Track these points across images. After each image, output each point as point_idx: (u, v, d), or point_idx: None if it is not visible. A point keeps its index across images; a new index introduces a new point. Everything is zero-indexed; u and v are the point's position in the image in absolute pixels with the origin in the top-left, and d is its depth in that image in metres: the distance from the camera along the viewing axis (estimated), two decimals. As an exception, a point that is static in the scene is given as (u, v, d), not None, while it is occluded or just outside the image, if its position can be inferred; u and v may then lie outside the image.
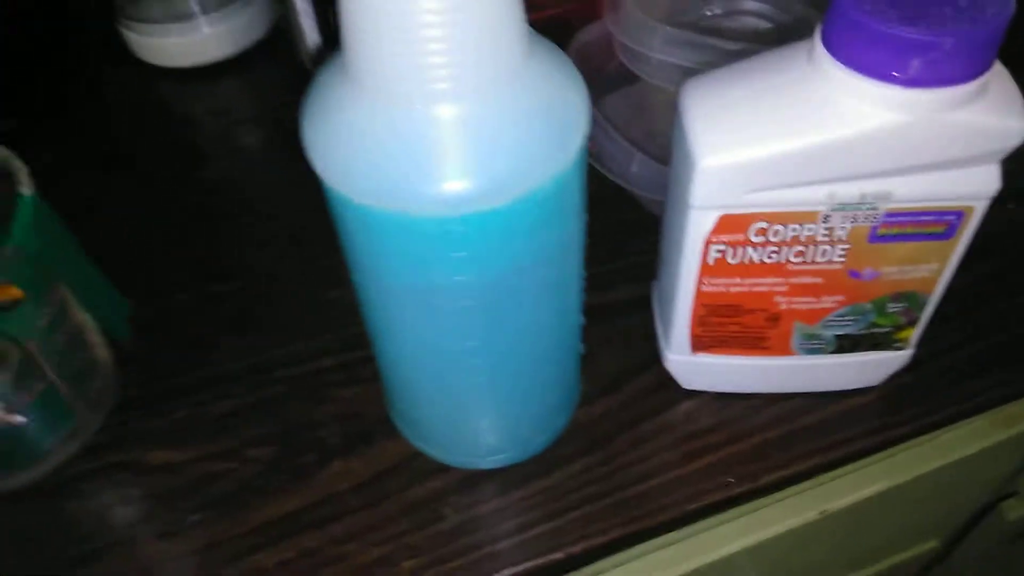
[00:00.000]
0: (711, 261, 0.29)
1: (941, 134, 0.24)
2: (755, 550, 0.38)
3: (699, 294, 0.30)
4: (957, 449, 0.39)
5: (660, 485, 0.32)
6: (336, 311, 0.39)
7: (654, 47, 0.36)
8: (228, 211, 0.44)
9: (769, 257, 0.28)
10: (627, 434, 0.34)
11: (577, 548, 0.30)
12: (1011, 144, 0.25)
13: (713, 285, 0.30)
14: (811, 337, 0.31)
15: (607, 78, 0.43)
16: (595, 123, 0.38)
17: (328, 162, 0.23)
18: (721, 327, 0.31)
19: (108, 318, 0.35)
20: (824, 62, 0.24)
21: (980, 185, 0.26)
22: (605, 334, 0.37)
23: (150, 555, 0.31)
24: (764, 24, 0.42)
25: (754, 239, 0.28)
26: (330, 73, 0.23)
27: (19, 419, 0.32)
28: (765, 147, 0.25)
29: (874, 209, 0.27)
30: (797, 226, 0.27)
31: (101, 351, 0.35)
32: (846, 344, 0.32)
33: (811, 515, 0.38)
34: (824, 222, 0.27)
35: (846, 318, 0.31)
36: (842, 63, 0.24)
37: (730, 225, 0.27)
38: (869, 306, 0.30)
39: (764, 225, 0.27)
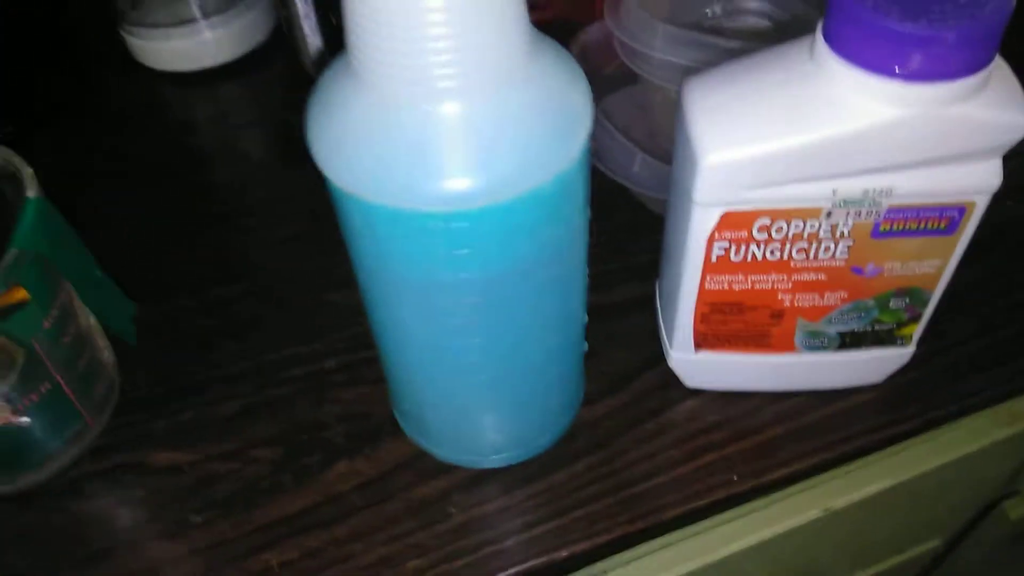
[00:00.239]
0: (714, 258, 0.29)
1: (943, 129, 0.24)
2: (758, 549, 0.38)
3: (702, 291, 0.30)
4: (960, 447, 0.39)
5: (664, 483, 0.32)
6: (339, 313, 0.39)
7: (655, 46, 0.37)
8: (230, 214, 0.45)
9: (772, 254, 0.29)
10: (631, 433, 0.34)
11: (581, 546, 0.31)
12: (1012, 138, 0.25)
13: (716, 282, 0.30)
14: (814, 334, 0.32)
15: (608, 78, 0.43)
16: (596, 123, 0.38)
17: (333, 160, 0.23)
18: (724, 324, 0.32)
19: (113, 320, 0.35)
20: (826, 57, 0.25)
21: (982, 180, 0.26)
22: (608, 333, 0.37)
23: (155, 556, 0.31)
24: (765, 23, 0.43)
25: (757, 236, 0.28)
26: (335, 72, 0.23)
27: (24, 420, 0.32)
28: (768, 143, 0.25)
29: (877, 205, 0.27)
30: (800, 222, 0.27)
31: (106, 353, 0.35)
32: (849, 341, 0.32)
33: (814, 513, 0.38)
34: (827, 218, 0.27)
35: (849, 315, 0.31)
36: (844, 58, 0.24)
37: (733, 222, 0.27)
38: (872, 302, 0.30)
39: (767, 221, 0.27)
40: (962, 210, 0.27)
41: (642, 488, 0.32)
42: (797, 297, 0.30)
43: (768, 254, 0.29)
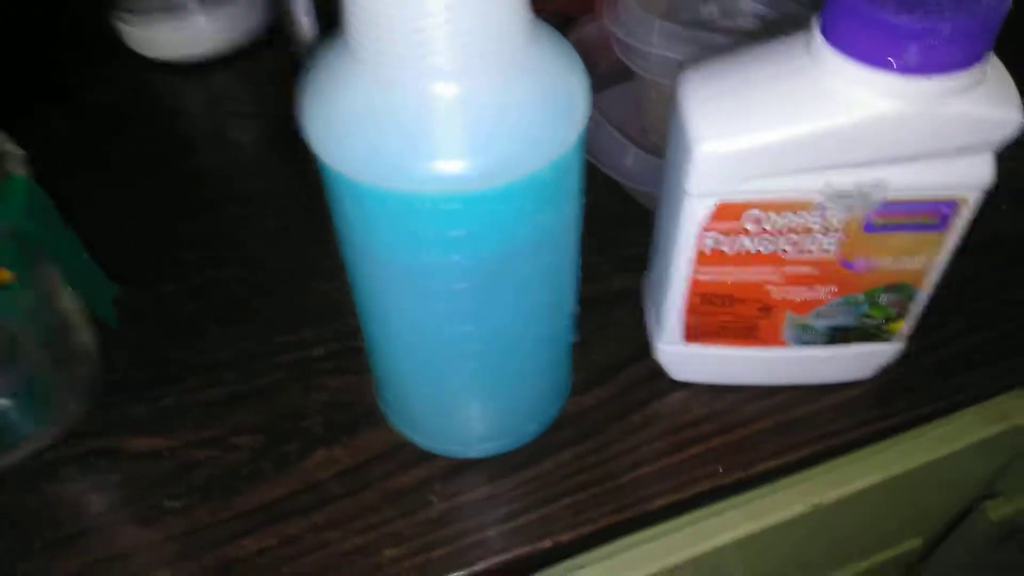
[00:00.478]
0: (705, 250, 0.29)
1: (937, 123, 0.24)
2: (743, 544, 0.38)
3: (693, 283, 0.30)
4: (947, 443, 0.39)
5: (650, 474, 0.32)
6: (326, 302, 0.38)
7: (652, 42, 0.36)
8: (220, 202, 0.44)
9: (763, 246, 0.28)
10: (618, 424, 0.33)
11: (566, 536, 0.30)
12: (1005, 134, 0.25)
13: (707, 274, 0.30)
14: (803, 328, 0.31)
15: (603, 74, 0.43)
16: (590, 117, 0.38)
17: (326, 140, 0.23)
18: (713, 317, 0.31)
19: (96, 302, 0.34)
20: (822, 50, 0.24)
21: (974, 176, 0.26)
22: (596, 325, 0.36)
23: (130, 541, 0.31)
24: (759, 23, 0.42)
25: (749, 227, 0.28)
26: (330, 51, 0.23)
27: (1, 401, 0.31)
28: (762, 134, 0.25)
29: (869, 198, 0.27)
30: (792, 215, 0.27)
31: (87, 336, 0.35)
32: (837, 336, 0.32)
33: (800, 509, 0.38)
34: (819, 211, 0.27)
35: (838, 309, 0.31)
36: (840, 51, 0.24)
37: (725, 213, 0.27)
38: (861, 297, 0.30)
39: (759, 213, 0.27)
40: (953, 206, 0.27)
41: (628, 479, 0.32)
42: (787, 290, 0.30)
43: (759, 246, 0.28)
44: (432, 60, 0.21)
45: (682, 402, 0.34)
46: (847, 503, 0.39)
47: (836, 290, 0.30)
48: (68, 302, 0.33)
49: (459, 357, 0.28)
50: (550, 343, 0.30)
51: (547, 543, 0.30)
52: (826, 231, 0.28)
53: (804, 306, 0.31)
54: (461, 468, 0.32)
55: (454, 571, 0.29)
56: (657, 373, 0.35)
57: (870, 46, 0.23)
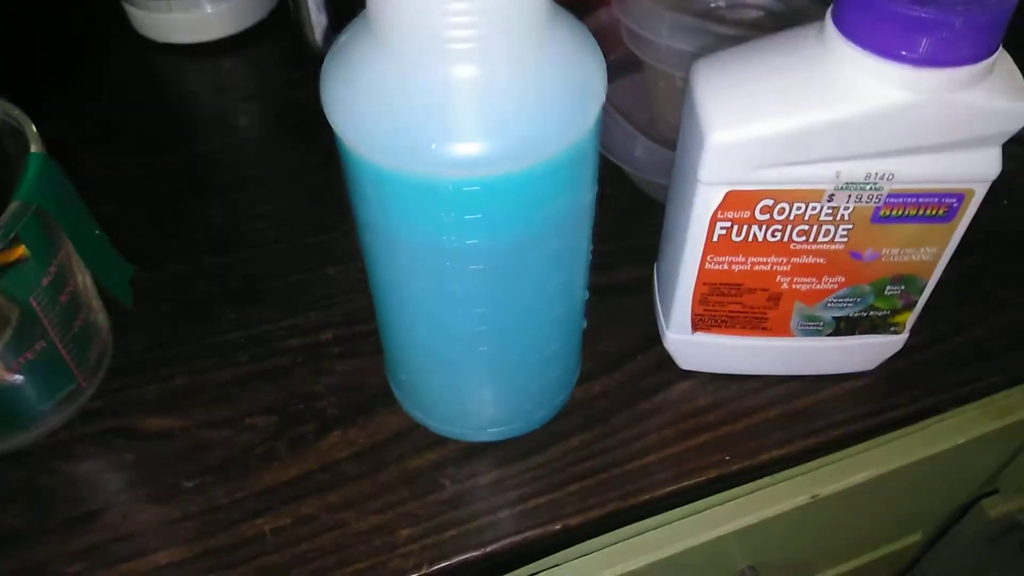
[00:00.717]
0: (716, 238, 0.29)
1: (947, 114, 0.25)
2: (745, 534, 0.39)
3: (702, 272, 0.31)
4: (948, 438, 0.39)
5: (657, 461, 0.32)
6: (335, 286, 0.39)
7: (662, 33, 0.37)
8: (229, 185, 0.44)
9: (773, 235, 0.29)
10: (625, 412, 0.34)
11: (575, 520, 0.31)
12: (1013, 127, 0.25)
13: (717, 263, 0.30)
14: (810, 318, 0.32)
15: (613, 64, 0.43)
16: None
17: (348, 121, 0.23)
18: (722, 306, 0.32)
19: (111, 281, 0.35)
20: (834, 41, 0.25)
21: (981, 168, 0.27)
22: (606, 314, 0.37)
23: (145, 519, 0.31)
24: (766, 15, 0.43)
25: (759, 216, 0.28)
26: (353, 33, 0.23)
27: (17, 379, 0.31)
28: (774, 123, 0.26)
29: (878, 189, 0.27)
30: (802, 204, 0.28)
31: (101, 315, 0.35)
32: (844, 326, 0.32)
33: (802, 499, 0.38)
34: (829, 201, 0.28)
35: (845, 299, 0.31)
36: (852, 42, 0.24)
37: (736, 202, 0.28)
38: (868, 288, 0.31)
39: (770, 202, 0.28)
40: (961, 198, 0.28)
41: (635, 465, 0.32)
42: (795, 280, 0.30)
43: (769, 235, 0.29)
44: (454, 43, 0.21)
45: (689, 391, 0.35)
46: (848, 495, 0.39)
47: (844, 280, 0.30)
48: (83, 281, 0.33)
49: (471, 340, 0.28)
50: (561, 328, 0.30)
51: (556, 526, 0.31)
52: (835, 221, 0.28)
53: (812, 296, 0.31)
54: (472, 452, 0.33)
55: (466, 552, 0.30)
56: (665, 362, 0.35)
57: (883, 37, 0.24)
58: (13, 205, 0.27)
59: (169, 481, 0.32)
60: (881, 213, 0.28)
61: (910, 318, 0.32)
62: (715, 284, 0.31)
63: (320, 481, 0.32)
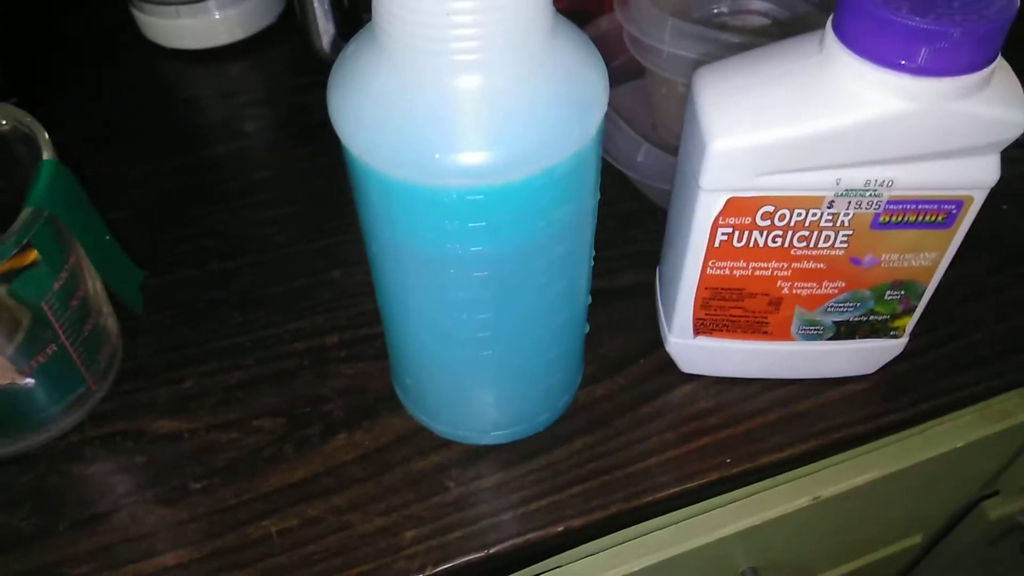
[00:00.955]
0: (717, 243, 0.29)
1: (946, 123, 0.25)
2: (746, 535, 0.39)
3: (704, 277, 0.31)
4: (948, 441, 0.40)
5: (659, 464, 0.33)
6: (341, 290, 0.39)
7: (664, 40, 0.37)
8: (235, 191, 0.45)
9: (774, 241, 0.29)
10: (628, 415, 0.34)
11: (577, 522, 0.31)
12: (1011, 135, 0.26)
13: (718, 268, 0.30)
14: (810, 323, 0.32)
15: (616, 71, 0.44)
16: (602, 113, 0.39)
17: (353, 131, 0.23)
18: (723, 311, 0.32)
19: (122, 286, 0.35)
20: (835, 50, 0.25)
21: (980, 175, 0.27)
22: (608, 318, 0.37)
23: (154, 520, 0.31)
24: (769, 22, 0.43)
25: (760, 223, 0.29)
26: (359, 43, 0.24)
27: (28, 382, 0.32)
28: (775, 131, 0.26)
29: (878, 196, 0.28)
30: (802, 211, 0.28)
31: (111, 319, 0.36)
32: (844, 331, 0.33)
33: (803, 501, 0.38)
34: (829, 207, 0.28)
35: (845, 304, 0.31)
36: (853, 51, 0.25)
37: (738, 208, 0.28)
38: (868, 293, 0.31)
39: (771, 209, 0.28)
40: (960, 204, 0.28)
41: (638, 468, 0.32)
42: (796, 285, 0.31)
43: (770, 241, 0.29)
44: (458, 54, 0.21)
45: (691, 394, 0.35)
46: (848, 498, 0.40)
47: (844, 286, 0.31)
48: (93, 286, 0.34)
49: (475, 345, 0.29)
50: (564, 332, 0.31)
51: (559, 528, 0.31)
52: (835, 227, 0.29)
53: (812, 301, 0.31)
54: (476, 454, 0.33)
55: (470, 553, 0.30)
56: (667, 366, 0.36)
57: (882, 47, 0.24)
58: (26, 212, 0.28)
59: (177, 483, 0.32)
60: (881, 219, 0.28)
61: (909, 323, 0.33)
62: (716, 289, 0.31)
63: (326, 483, 0.32)
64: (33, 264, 0.30)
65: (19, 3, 0.57)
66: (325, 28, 0.48)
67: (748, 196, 0.28)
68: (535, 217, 0.24)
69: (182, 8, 0.52)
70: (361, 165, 0.24)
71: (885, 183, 0.27)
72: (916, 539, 0.53)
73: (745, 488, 0.38)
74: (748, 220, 0.29)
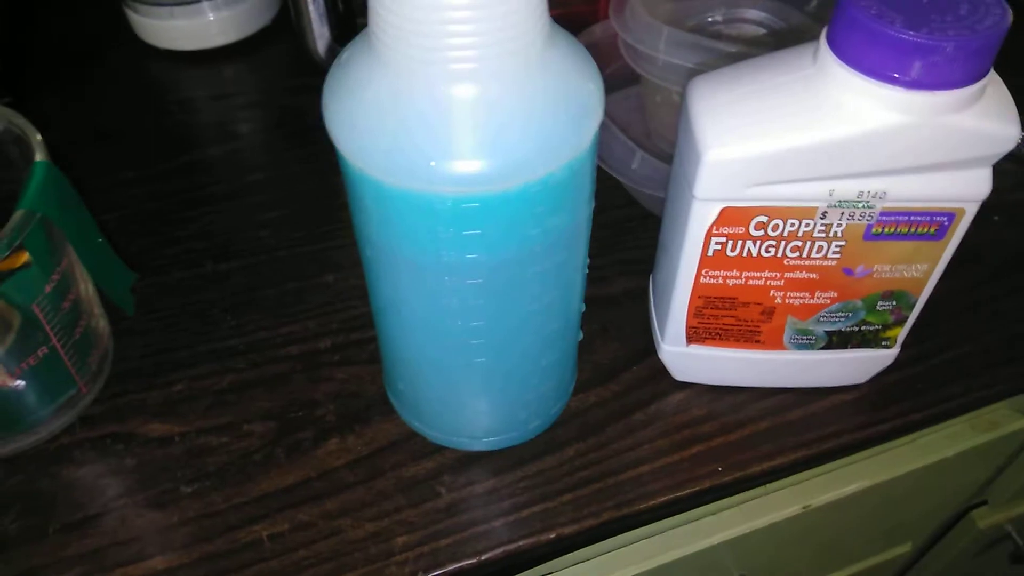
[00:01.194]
0: (711, 253, 0.30)
1: (938, 136, 0.25)
2: (738, 543, 0.39)
3: (697, 285, 0.31)
4: (937, 451, 0.40)
5: (651, 471, 0.33)
6: (334, 294, 0.39)
7: (659, 48, 0.37)
8: (227, 193, 0.45)
9: (767, 251, 0.29)
10: (620, 422, 0.34)
11: (569, 529, 0.31)
12: (1003, 149, 0.26)
13: (711, 277, 0.31)
14: (803, 332, 0.32)
15: (610, 78, 0.44)
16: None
17: (348, 137, 0.23)
18: (716, 319, 0.32)
19: (113, 289, 0.35)
20: (829, 62, 0.25)
21: (972, 188, 0.27)
22: (601, 325, 0.37)
23: (143, 524, 0.31)
24: (763, 32, 0.44)
25: (754, 232, 0.29)
26: (355, 49, 0.24)
27: (19, 384, 0.32)
28: (769, 142, 0.26)
29: (870, 207, 0.28)
30: (796, 221, 0.28)
31: (102, 321, 0.35)
32: (835, 340, 0.33)
33: (793, 510, 0.39)
34: (822, 218, 0.28)
35: (837, 314, 0.32)
36: (846, 63, 0.25)
37: (732, 218, 0.28)
38: (860, 303, 0.31)
39: (764, 219, 0.28)
40: (951, 217, 0.28)
41: (629, 475, 0.32)
42: (788, 295, 0.31)
43: (763, 251, 0.29)
44: (454, 62, 0.21)
45: (683, 402, 0.35)
46: (838, 506, 0.40)
47: (836, 296, 0.31)
48: (85, 288, 0.34)
49: (469, 351, 0.29)
50: (558, 340, 0.31)
51: (550, 535, 0.31)
52: (828, 238, 0.29)
53: (805, 311, 0.32)
54: (468, 460, 0.33)
55: (462, 560, 0.30)
56: (659, 373, 0.36)
57: (876, 60, 0.24)
58: (18, 214, 0.28)
59: (167, 486, 0.32)
60: (873, 231, 0.28)
61: (901, 333, 0.33)
62: (710, 298, 0.31)
63: (317, 488, 0.32)
64: (24, 266, 0.29)
65: (11, 2, 0.57)
66: (320, 32, 0.48)
67: (742, 206, 0.28)
68: (530, 225, 0.24)
69: (176, 9, 0.52)
70: (356, 172, 0.24)
71: (878, 195, 0.27)
72: (905, 548, 0.53)
73: (736, 496, 0.38)
74: (742, 230, 0.29)
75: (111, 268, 0.35)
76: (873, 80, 0.24)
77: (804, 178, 0.27)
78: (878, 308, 0.31)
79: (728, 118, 0.27)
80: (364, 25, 0.23)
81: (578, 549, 0.37)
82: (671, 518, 0.38)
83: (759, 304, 0.31)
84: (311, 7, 0.47)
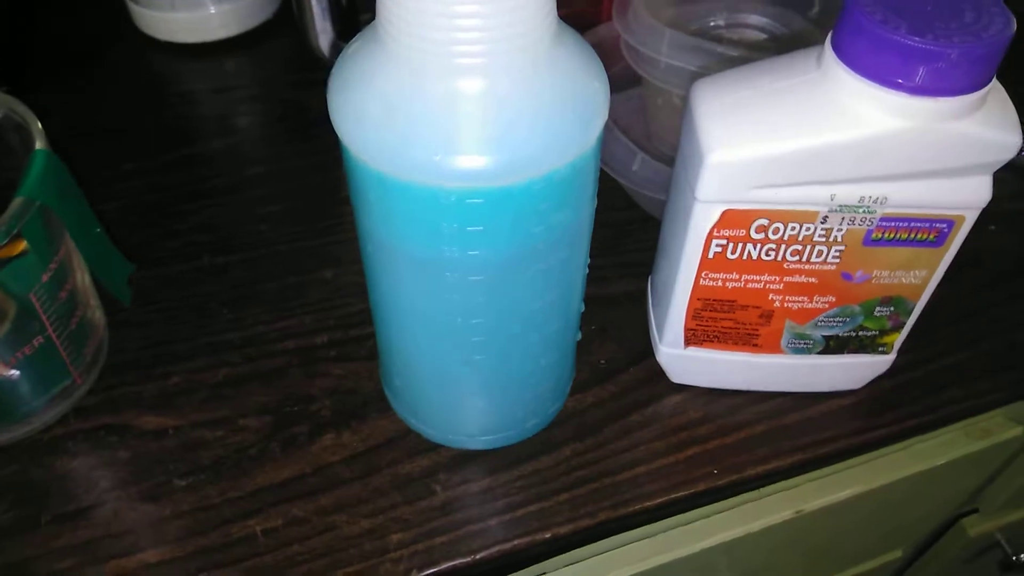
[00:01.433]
0: (711, 255, 0.30)
1: (940, 142, 0.25)
2: (731, 546, 0.39)
3: (696, 287, 0.31)
4: (931, 458, 0.40)
5: (647, 473, 0.33)
6: (332, 290, 0.39)
7: (661, 51, 0.37)
8: (226, 187, 0.45)
9: (767, 254, 0.29)
10: (617, 423, 0.34)
11: (564, 529, 0.31)
12: (1004, 157, 0.26)
13: (711, 279, 0.31)
14: (800, 336, 0.33)
15: (612, 80, 0.44)
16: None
17: (353, 130, 0.23)
18: (715, 322, 0.32)
19: (110, 279, 0.35)
20: (833, 67, 0.25)
21: (972, 195, 0.27)
22: (599, 326, 0.37)
23: (136, 516, 0.31)
24: (765, 37, 0.44)
25: (755, 235, 0.29)
26: (362, 42, 0.24)
27: (13, 373, 0.31)
28: (772, 145, 0.26)
29: (871, 212, 0.28)
30: (796, 225, 0.28)
31: (98, 312, 0.35)
32: (833, 345, 0.33)
33: (787, 514, 0.39)
34: (822, 222, 0.28)
35: (835, 319, 0.32)
36: (851, 68, 0.25)
37: (733, 220, 0.28)
38: (858, 309, 0.31)
39: (765, 222, 0.28)
40: (951, 224, 0.28)
41: (626, 476, 0.32)
42: (787, 299, 0.31)
43: (763, 254, 0.29)
44: (461, 57, 0.21)
45: (679, 404, 0.35)
46: (832, 511, 0.40)
47: (834, 300, 0.31)
48: (82, 278, 0.33)
49: (468, 349, 0.29)
50: (557, 339, 0.31)
51: (546, 535, 0.31)
52: (828, 242, 0.29)
53: (803, 315, 0.32)
54: (464, 459, 0.33)
55: (456, 558, 0.30)
56: (656, 375, 0.36)
57: (880, 65, 0.24)
58: (17, 201, 0.28)
59: (161, 479, 0.32)
60: (873, 236, 0.29)
61: (898, 339, 0.33)
62: (709, 300, 0.32)
63: (312, 484, 0.32)
64: (22, 255, 0.29)
65: (13, -9, 0.57)
66: (322, 26, 0.48)
67: (744, 208, 0.28)
68: (533, 222, 0.24)
69: (178, 1, 0.52)
70: (360, 165, 0.24)
71: (879, 200, 0.27)
72: (896, 554, 0.53)
73: (730, 499, 0.38)
74: (743, 232, 0.29)
75: (109, 259, 0.35)
76: (877, 85, 0.25)
77: (806, 182, 0.27)
78: (876, 314, 0.32)
79: (732, 120, 0.27)
80: (367, 21, 0.23)
81: (573, 549, 0.37)
82: (666, 520, 0.38)
83: (758, 307, 0.32)
84: (314, 2, 0.47)
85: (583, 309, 0.32)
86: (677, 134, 0.31)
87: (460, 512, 0.31)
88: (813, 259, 0.30)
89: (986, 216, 0.28)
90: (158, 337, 0.37)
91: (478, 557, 0.30)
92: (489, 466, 0.33)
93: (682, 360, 0.35)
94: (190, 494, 0.32)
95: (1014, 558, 0.56)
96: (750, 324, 0.32)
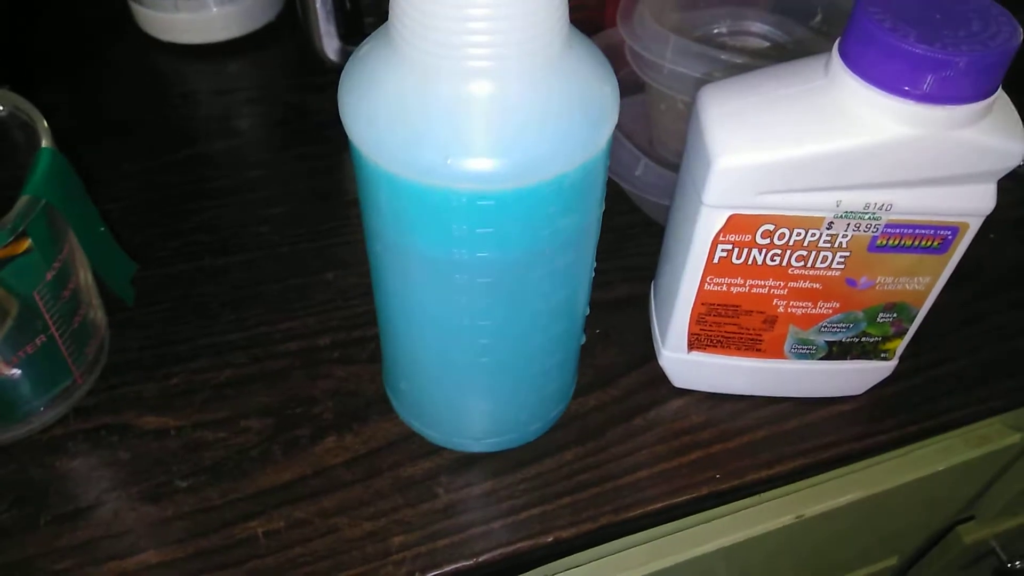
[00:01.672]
0: (716, 260, 0.30)
1: (946, 150, 0.26)
2: (730, 551, 0.39)
3: (701, 292, 0.31)
4: (930, 464, 0.40)
5: (649, 477, 0.33)
6: (335, 291, 0.39)
7: (666, 57, 0.38)
8: (229, 188, 0.45)
9: (772, 259, 0.30)
10: (619, 427, 0.34)
11: (567, 533, 0.31)
12: (1009, 165, 0.26)
13: (715, 284, 0.31)
14: (804, 342, 0.33)
15: (615, 84, 0.44)
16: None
17: (364, 131, 0.23)
18: (718, 327, 0.32)
19: (113, 279, 0.35)
20: (840, 73, 0.26)
21: (977, 203, 0.28)
22: (602, 330, 0.37)
23: (137, 517, 0.31)
24: (767, 44, 0.44)
25: (760, 240, 0.29)
26: (373, 44, 0.24)
27: (15, 372, 0.31)
28: (779, 151, 0.26)
29: (876, 219, 0.28)
30: (802, 231, 0.28)
31: (99, 311, 0.35)
32: (836, 351, 0.33)
33: (787, 519, 0.39)
34: (828, 228, 0.28)
35: (839, 325, 0.32)
36: (858, 76, 0.25)
37: (739, 225, 0.28)
38: (861, 315, 0.31)
39: (771, 227, 0.28)
40: (955, 231, 0.28)
41: (628, 480, 0.32)
42: (791, 304, 0.31)
43: (768, 259, 0.30)
44: (473, 59, 0.21)
45: (682, 409, 0.35)
46: (831, 517, 0.40)
47: (838, 306, 0.31)
48: (85, 277, 0.33)
49: (474, 351, 0.29)
50: (562, 342, 0.31)
51: (548, 538, 0.31)
52: (833, 248, 0.29)
53: (806, 320, 0.32)
54: (467, 462, 0.33)
55: (458, 561, 0.30)
56: (659, 379, 0.36)
57: (888, 73, 0.24)
58: (22, 200, 0.27)
59: (162, 480, 0.32)
60: (878, 242, 0.29)
61: (900, 345, 0.33)
62: (713, 305, 0.32)
63: (314, 486, 0.32)
64: (26, 253, 0.29)
65: (14, -10, 0.57)
66: (326, 30, 0.48)
67: (750, 214, 0.28)
68: (542, 225, 0.25)
69: (181, 2, 0.52)
70: (370, 166, 0.24)
71: (884, 207, 0.28)
72: (891, 561, 0.53)
73: (730, 504, 0.38)
74: (748, 237, 0.29)
75: (112, 258, 0.35)
76: (884, 92, 0.25)
77: (812, 188, 0.27)
78: (879, 320, 0.32)
79: (739, 126, 0.27)
80: (371, 25, 0.23)
81: (575, 553, 0.37)
82: (666, 524, 0.38)
83: (762, 312, 0.32)
84: (318, 5, 0.47)
85: (588, 312, 0.32)
86: (680, 139, 0.31)
87: (462, 515, 0.31)
88: (818, 265, 0.30)
89: (987, 224, 0.28)
90: (160, 337, 0.37)
91: (480, 560, 0.30)
92: (492, 469, 0.33)
93: (685, 364, 0.35)
94: (191, 495, 0.32)
95: (1009, 565, 0.56)
96: (754, 329, 0.32)
